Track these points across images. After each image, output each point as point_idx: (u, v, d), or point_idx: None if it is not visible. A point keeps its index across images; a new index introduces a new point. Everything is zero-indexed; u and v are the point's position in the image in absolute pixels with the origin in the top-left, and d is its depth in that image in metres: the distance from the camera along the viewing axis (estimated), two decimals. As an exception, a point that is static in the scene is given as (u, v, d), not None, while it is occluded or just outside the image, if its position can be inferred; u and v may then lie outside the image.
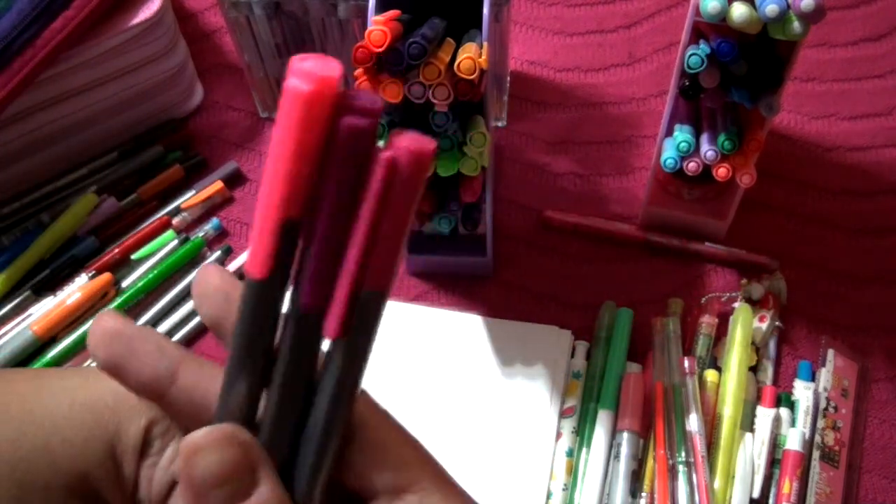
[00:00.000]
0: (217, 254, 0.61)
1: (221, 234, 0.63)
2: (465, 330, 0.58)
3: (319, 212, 0.21)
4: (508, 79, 0.67)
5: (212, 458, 0.23)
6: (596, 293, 0.59)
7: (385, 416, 0.26)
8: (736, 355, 0.54)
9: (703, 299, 0.58)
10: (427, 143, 0.20)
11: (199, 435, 0.23)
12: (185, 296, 0.60)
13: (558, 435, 0.54)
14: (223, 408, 0.24)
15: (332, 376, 0.23)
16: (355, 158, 0.20)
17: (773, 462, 0.53)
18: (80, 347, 0.57)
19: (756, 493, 0.52)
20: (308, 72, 0.19)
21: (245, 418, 0.24)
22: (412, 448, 0.26)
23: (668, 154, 0.54)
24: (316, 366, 0.24)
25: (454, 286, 0.60)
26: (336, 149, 0.20)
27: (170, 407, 0.26)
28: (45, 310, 0.58)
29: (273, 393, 0.24)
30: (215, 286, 0.26)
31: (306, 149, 0.20)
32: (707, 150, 0.52)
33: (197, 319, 0.59)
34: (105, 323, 0.26)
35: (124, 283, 0.60)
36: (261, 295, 0.22)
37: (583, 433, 0.54)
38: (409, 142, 0.20)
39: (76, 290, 0.58)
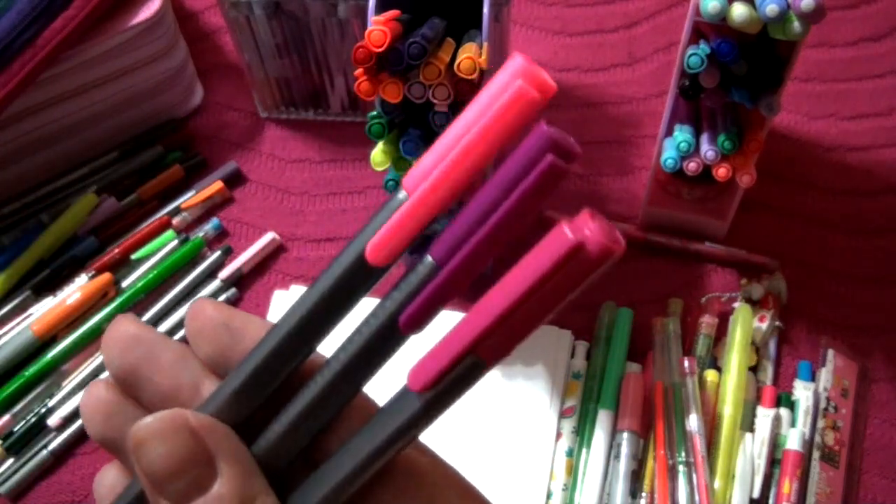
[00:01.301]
0: (217, 254, 0.61)
1: (221, 234, 0.63)
2: (465, 330, 0.58)
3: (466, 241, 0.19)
4: (508, 79, 0.67)
5: (159, 450, 0.21)
6: (596, 293, 0.59)
7: (436, 463, 0.24)
8: (736, 355, 0.54)
9: (703, 299, 0.58)
10: (618, 241, 0.17)
11: (144, 423, 0.21)
12: (185, 296, 0.60)
13: (558, 435, 0.54)
14: (208, 400, 0.22)
15: (395, 419, 0.21)
16: (538, 199, 0.18)
17: (773, 462, 0.53)
18: (80, 347, 0.57)
19: (756, 493, 0.52)
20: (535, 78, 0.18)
21: (233, 413, 0.22)
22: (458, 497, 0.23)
23: (668, 154, 0.54)
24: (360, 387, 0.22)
25: (454, 286, 0.60)
26: (530, 186, 0.18)
27: None
28: (45, 310, 0.58)
29: (304, 400, 0.22)
30: (212, 317, 0.24)
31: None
32: (707, 150, 0.52)
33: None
34: (122, 327, 0.24)
35: (124, 283, 0.60)
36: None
37: (583, 433, 0.54)
38: (601, 234, 0.17)
39: (76, 290, 0.58)
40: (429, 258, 0.20)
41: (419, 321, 0.20)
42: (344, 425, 0.23)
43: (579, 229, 0.17)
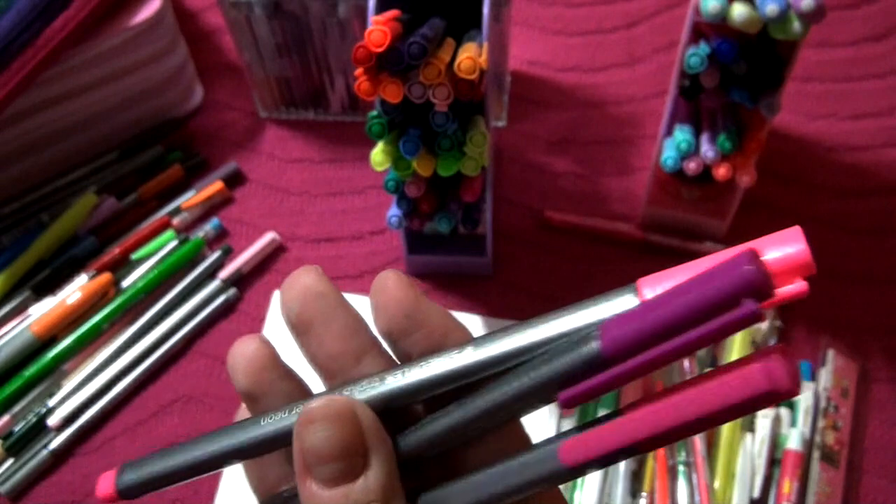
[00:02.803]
0: (217, 254, 0.61)
1: (221, 234, 0.63)
2: (466, 330, 0.58)
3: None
4: (508, 79, 0.67)
5: (323, 434, 0.22)
6: (596, 293, 0.59)
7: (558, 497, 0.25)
8: (736, 355, 0.54)
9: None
10: (798, 384, 0.18)
11: (316, 405, 0.23)
12: (185, 296, 0.60)
13: (558, 435, 0.54)
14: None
15: (537, 472, 0.22)
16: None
17: (773, 462, 0.53)
18: (80, 347, 0.57)
19: (756, 493, 0.52)
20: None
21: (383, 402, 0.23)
22: None
23: (668, 154, 0.54)
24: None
25: (454, 286, 0.60)
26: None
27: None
28: (45, 310, 0.58)
29: (455, 417, 0.23)
30: (397, 300, 0.25)
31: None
32: (707, 150, 0.52)
33: (197, 320, 0.59)
34: (309, 278, 0.25)
35: (124, 283, 0.60)
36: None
37: (583, 433, 0.54)
38: (790, 380, 0.18)
39: (76, 289, 0.58)
40: (597, 344, 0.20)
41: (576, 403, 0.21)
42: (485, 442, 0.24)
43: (772, 374, 0.18)
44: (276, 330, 0.58)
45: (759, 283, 0.18)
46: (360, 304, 0.24)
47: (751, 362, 0.18)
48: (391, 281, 0.25)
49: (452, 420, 0.23)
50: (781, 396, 0.18)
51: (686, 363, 0.53)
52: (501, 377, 0.23)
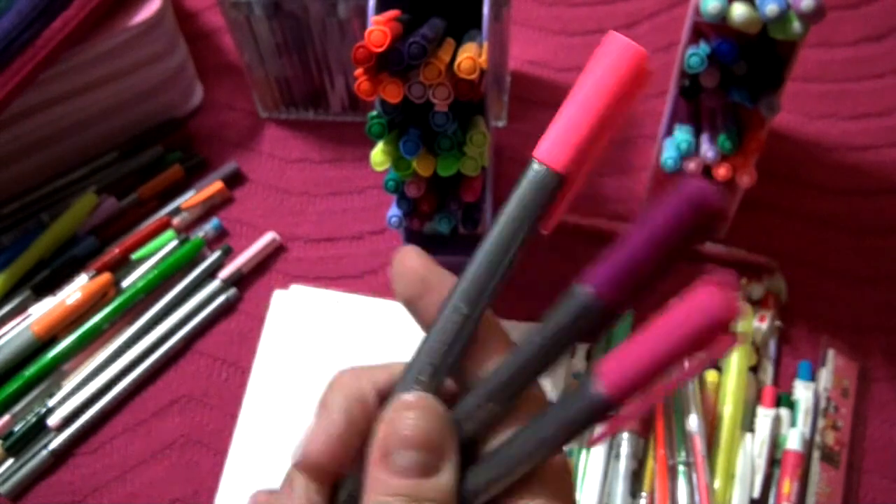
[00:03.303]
0: (217, 254, 0.61)
1: (221, 234, 0.63)
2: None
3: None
4: (508, 79, 0.67)
5: (414, 422, 0.24)
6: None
7: (566, 460, 0.27)
8: (736, 355, 0.54)
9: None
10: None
11: (412, 396, 0.24)
12: (185, 296, 0.60)
13: (558, 435, 0.54)
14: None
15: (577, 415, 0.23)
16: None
17: (773, 462, 0.53)
18: (80, 347, 0.57)
19: (756, 494, 0.52)
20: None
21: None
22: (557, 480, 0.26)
23: (668, 154, 0.54)
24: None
25: (454, 286, 0.60)
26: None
27: None
28: (45, 310, 0.58)
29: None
30: (413, 268, 0.27)
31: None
32: (707, 150, 0.52)
33: (197, 320, 0.59)
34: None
35: (124, 283, 0.60)
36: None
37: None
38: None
39: (76, 289, 0.58)
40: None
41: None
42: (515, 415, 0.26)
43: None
44: (277, 330, 0.58)
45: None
46: (360, 304, 0.24)
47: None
48: (408, 252, 0.27)
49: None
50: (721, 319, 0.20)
51: (686, 362, 0.53)
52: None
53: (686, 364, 0.21)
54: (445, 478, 0.24)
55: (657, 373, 0.21)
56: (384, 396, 0.26)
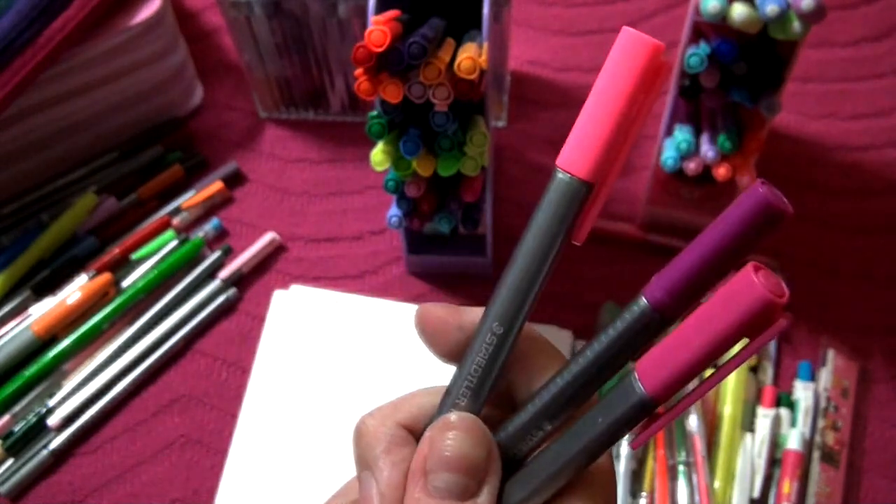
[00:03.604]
0: (217, 254, 0.61)
1: (221, 234, 0.63)
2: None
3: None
4: (508, 79, 0.67)
5: (456, 443, 0.23)
6: (596, 293, 0.59)
7: (610, 465, 0.26)
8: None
9: (704, 299, 0.58)
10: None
11: (454, 416, 0.24)
12: (185, 296, 0.60)
13: (558, 435, 0.54)
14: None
15: (619, 415, 0.23)
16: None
17: (773, 462, 0.53)
18: (80, 347, 0.57)
19: (756, 494, 0.52)
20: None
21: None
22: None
23: (668, 154, 0.54)
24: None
25: (454, 286, 0.60)
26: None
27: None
28: (45, 310, 0.58)
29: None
30: (437, 317, 0.26)
31: None
32: (707, 150, 0.52)
33: (197, 320, 0.59)
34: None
35: (124, 283, 0.60)
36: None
37: (583, 433, 0.54)
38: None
39: (76, 289, 0.58)
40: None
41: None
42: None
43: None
44: (277, 330, 0.58)
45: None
46: (360, 304, 0.24)
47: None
48: (431, 307, 0.27)
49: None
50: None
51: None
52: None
53: (734, 352, 0.21)
54: (483, 501, 0.23)
55: (702, 366, 0.21)
56: (416, 430, 0.26)
